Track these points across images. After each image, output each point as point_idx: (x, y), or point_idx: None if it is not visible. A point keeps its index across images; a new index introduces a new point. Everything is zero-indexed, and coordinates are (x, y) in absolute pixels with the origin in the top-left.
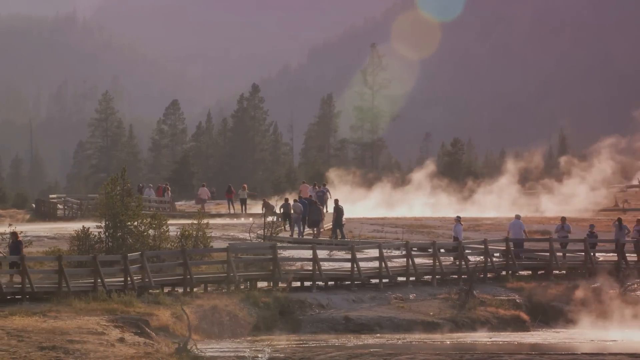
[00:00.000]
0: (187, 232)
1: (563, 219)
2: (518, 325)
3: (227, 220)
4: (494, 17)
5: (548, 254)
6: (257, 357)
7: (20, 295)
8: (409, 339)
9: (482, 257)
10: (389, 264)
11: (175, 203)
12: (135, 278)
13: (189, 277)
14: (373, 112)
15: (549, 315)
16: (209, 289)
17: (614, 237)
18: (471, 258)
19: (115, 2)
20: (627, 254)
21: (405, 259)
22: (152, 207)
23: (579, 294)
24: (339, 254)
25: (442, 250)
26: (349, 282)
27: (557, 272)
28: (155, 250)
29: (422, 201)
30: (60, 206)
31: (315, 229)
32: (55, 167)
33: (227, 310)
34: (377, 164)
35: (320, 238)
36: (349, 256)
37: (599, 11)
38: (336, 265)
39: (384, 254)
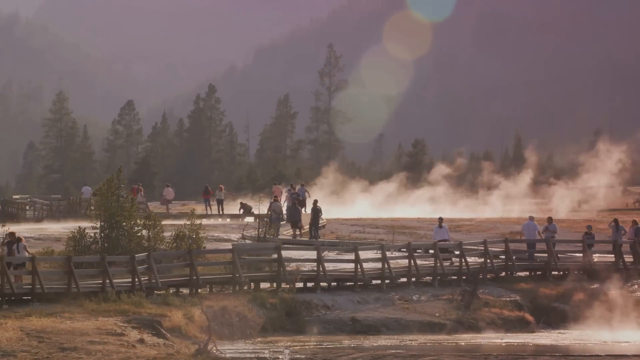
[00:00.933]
0: (181, 233)
1: (549, 219)
2: (523, 326)
3: (203, 221)
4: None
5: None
6: (278, 358)
7: (30, 296)
8: (422, 340)
9: (472, 258)
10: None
11: None
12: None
13: (195, 278)
14: (330, 113)
15: (551, 316)
16: (213, 289)
17: (612, 238)
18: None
19: (57, 0)
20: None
21: (398, 260)
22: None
23: (580, 295)
24: (330, 254)
25: (429, 251)
26: (352, 283)
27: (555, 273)
28: (160, 251)
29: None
30: (27, 207)
31: (296, 229)
32: (2, 168)
33: (236, 311)
34: (338, 166)
35: (302, 239)
36: (341, 257)
37: (543, 12)
38: (330, 266)
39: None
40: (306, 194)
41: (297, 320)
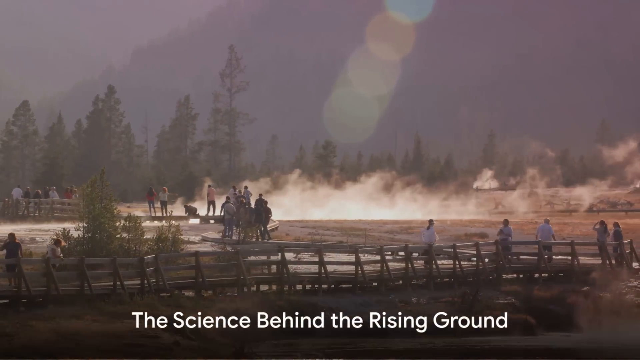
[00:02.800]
0: (163, 235)
1: (505, 221)
2: (528, 329)
3: (147, 223)
4: (319, 20)
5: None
6: None
7: (44, 298)
8: (444, 342)
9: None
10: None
11: None
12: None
13: (201, 280)
14: (230, 115)
15: (548, 318)
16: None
17: (597, 240)
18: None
19: None
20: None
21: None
22: (66, 209)
23: (574, 297)
24: (305, 256)
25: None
26: (350, 286)
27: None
28: (167, 254)
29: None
30: None
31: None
32: None
33: (249, 314)
34: (234, 167)
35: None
36: (315, 259)
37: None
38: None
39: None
40: (250, 196)
41: (305, 322)
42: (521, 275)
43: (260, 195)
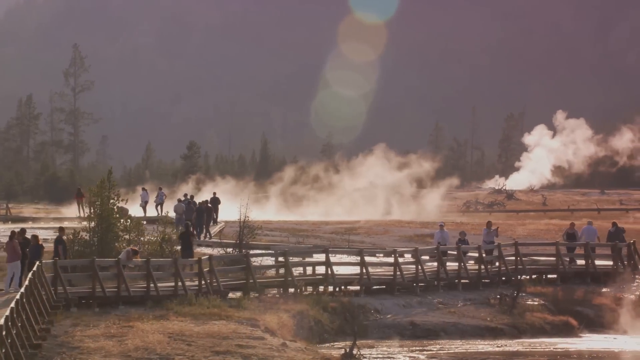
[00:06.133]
0: (167, 236)
1: (489, 223)
2: (569, 330)
3: (76, 224)
4: (121, 21)
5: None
6: None
7: (116, 299)
8: (516, 346)
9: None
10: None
11: None
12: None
13: (252, 281)
14: (75, 115)
15: (578, 320)
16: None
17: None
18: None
19: None
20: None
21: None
22: None
23: (599, 298)
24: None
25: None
26: (384, 287)
27: (551, 276)
28: (221, 255)
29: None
30: None
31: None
32: None
33: (311, 316)
34: (77, 167)
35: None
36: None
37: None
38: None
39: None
40: (164, 197)
41: (357, 324)
42: (534, 276)
43: (214, 193)
